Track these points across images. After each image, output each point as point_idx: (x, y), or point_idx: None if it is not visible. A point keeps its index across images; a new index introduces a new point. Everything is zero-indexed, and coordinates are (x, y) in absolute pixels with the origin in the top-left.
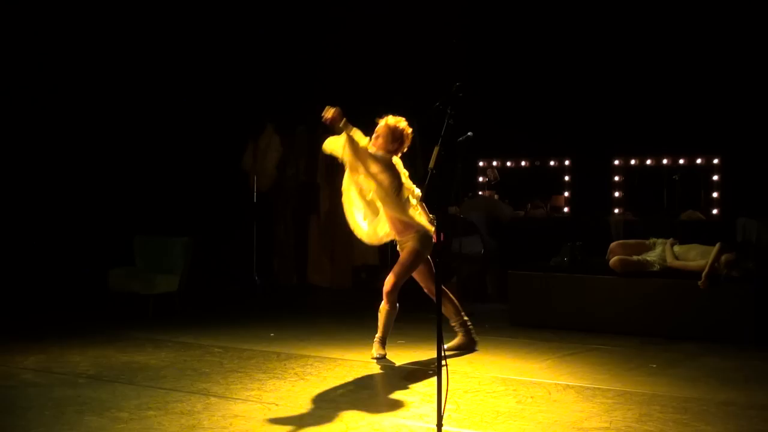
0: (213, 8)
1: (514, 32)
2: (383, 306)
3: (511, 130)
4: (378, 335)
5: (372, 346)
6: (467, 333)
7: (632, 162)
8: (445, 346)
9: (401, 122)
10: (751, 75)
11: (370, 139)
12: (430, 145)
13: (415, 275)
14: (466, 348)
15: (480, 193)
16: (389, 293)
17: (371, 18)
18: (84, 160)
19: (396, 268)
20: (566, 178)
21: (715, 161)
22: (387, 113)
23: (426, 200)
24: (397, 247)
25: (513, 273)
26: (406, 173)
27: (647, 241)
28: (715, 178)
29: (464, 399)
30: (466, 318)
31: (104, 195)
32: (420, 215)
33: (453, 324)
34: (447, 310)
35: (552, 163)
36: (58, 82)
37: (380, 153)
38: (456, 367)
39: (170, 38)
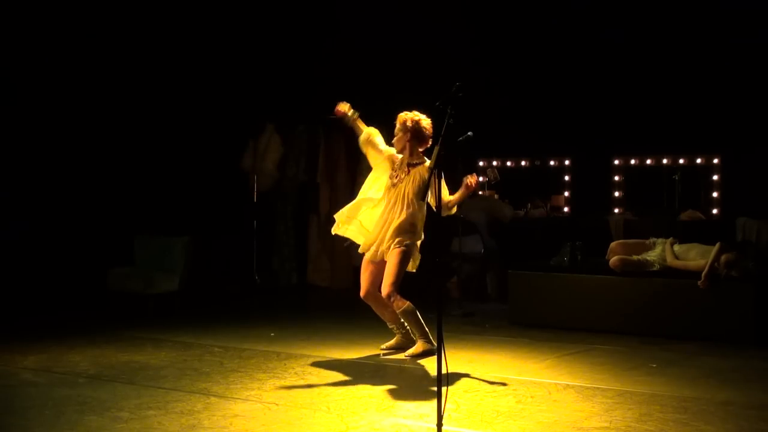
0: (213, 7)
1: (514, 32)
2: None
3: (511, 130)
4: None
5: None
6: (405, 334)
7: (632, 162)
8: (382, 347)
9: (407, 115)
10: (751, 75)
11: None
12: (431, 145)
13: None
14: (402, 348)
15: (480, 193)
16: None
17: (371, 17)
18: (84, 159)
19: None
20: (566, 178)
21: (715, 161)
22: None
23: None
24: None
25: (513, 273)
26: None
27: (647, 241)
28: (715, 177)
29: (464, 399)
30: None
31: (104, 195)
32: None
33: (391, 327)
34: (384, 314)
35: (552, 163)
36: (58, 82)
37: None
38: (456, 367)
39: (170, 38)
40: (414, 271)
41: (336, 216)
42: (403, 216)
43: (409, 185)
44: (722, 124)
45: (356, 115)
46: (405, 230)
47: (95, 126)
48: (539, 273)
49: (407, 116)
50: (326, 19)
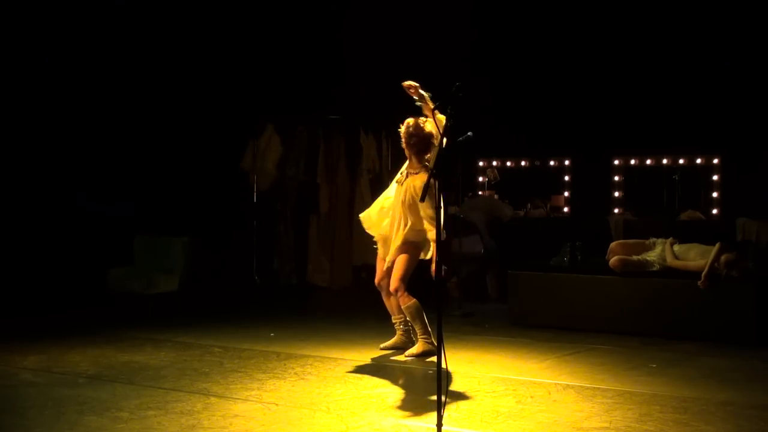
0: (213, 7)
1: (514, 32)
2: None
3: (511, 130)
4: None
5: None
6: (406, 333)
7: (632, 162)
8: (382, 346)
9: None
10: (751, 75)
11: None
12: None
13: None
14: (402, 347)
15: (480, 193)
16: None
17: (372, 18)
18: (84, 159)
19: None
20: (566, 178)
21: (715, 161)
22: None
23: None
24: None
25: (513, 273)
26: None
27: (647, 241)
28: (715, 178)
29: (464, 399)
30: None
31: (104, 195)
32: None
33: (395, 321)
34: (391, 304)
35: (552, 163)
36: (58, 82)
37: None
38: (456, 367)
39: (170, 38)
40: (427, 258)
41: (362, 218)
42: (407, 229)
43: (402, 195)
44: (722, 124)
45: (429, 94)
46: (410, 237)
47: (96, 126)
48: (539, 273)
49: (410, 122)
50: (326, 20)
